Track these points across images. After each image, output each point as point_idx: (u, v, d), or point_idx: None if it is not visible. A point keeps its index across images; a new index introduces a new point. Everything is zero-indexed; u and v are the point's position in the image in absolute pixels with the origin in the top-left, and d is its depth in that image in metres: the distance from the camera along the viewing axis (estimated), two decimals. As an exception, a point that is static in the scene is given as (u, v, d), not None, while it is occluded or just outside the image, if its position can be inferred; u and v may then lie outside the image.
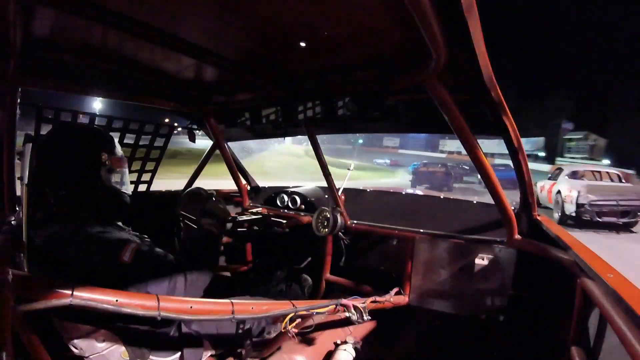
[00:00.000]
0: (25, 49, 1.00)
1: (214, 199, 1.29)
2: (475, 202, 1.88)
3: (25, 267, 0.85)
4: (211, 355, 1.19)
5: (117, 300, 0.81)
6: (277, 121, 1.75)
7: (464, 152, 1.36)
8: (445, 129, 1.25)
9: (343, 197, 1.97)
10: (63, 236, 0.90)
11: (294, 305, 1.12)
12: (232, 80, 1.51)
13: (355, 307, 1.35)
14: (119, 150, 1.16)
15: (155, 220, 1.94)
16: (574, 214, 7.02)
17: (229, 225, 1.57)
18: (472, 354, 1.50)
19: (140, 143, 1.88)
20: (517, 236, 1.49)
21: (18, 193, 1.05)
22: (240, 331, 1.27)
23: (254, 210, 2.02)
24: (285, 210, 2.18)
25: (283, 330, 1.10)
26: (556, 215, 7.63)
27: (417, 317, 1.72)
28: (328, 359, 1.35)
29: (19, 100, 1.13)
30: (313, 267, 2.08)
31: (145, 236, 1.18)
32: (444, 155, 28.67)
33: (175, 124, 2.13)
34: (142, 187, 2.09)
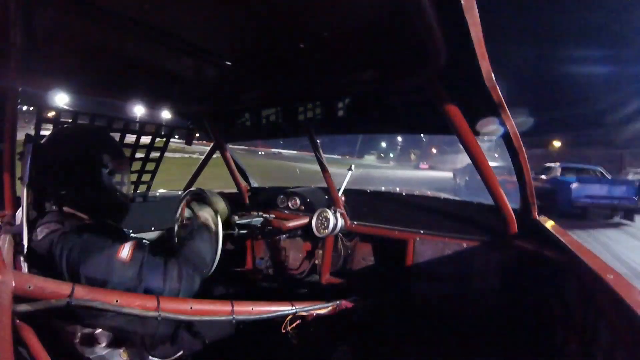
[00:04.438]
0: (25, 48, 1.01)
1: (211, 195, 1.28)
2: (475, 202, 1.88)
3: (26, 267, 0.85)
4: (211, 356, 1.19)
5: (117, 301, 0.81)
6: (277, 122, 1.75)
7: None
8: (446, 130, 1.26)
9: (343, 197, 1.97)
10: (62, 236, 0.90)
11: (294, 305, 1.12)
12: (232, 80, 1.51)
13: (355, 308, 1.35)
14: (120, 151, 1.17)
15: (156, 221, 1.94)
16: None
17: (230, 219, 1.48)
18: (472, 354, 1.49)
19: (140, 143, 1.87)
20: (517, 236, 1.50)
21: (18, 193, 1.05)
22: (240, 331, 1.26)
23: (254, 211, 2.02)
24: (285, 211, 2.18)
25: (283, 331, 1.10)
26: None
27: (417, 317, 1.72)
28: (328, 359, 1.35)
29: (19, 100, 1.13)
30: (313, 267, 2.08)
31: (145, 240, 1.17)
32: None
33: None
34: (142, 188, 2.09)
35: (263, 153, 35.33)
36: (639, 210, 8.21)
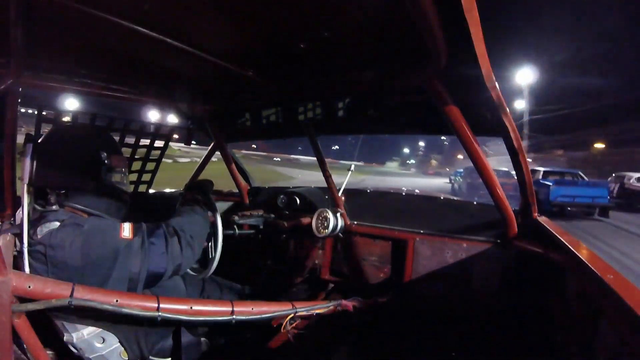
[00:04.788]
0: (26, 48, 1.01)
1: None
2: (475, 202, 1.88)
3: (26, 267, 0.85)
4: (211, 356, 1.19)
5: (117, 301, 0.81)
6: (277, 122, 1.75)
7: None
8: (446, 130, 1.26)
9: (343, 197, 1.97)
10: (63, 228, 0.90)
11: (294, 305, 1.12)
12: (232, 80, 1.51)
13: (355, 308, 1.35)
14: (118, 149, 1.17)
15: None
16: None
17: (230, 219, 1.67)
18: (472, 354, 1.49)
19: (140, 143, 1.88)
20: (517, 236, 1.50)
21: (19, 193, 1.06)
22: (240, 331, 1.27)
23: (254, 211, 2.02)
24: (286, 211, 2.18)
25: (283, 331, 1.10)
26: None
27: (416, 318, 1.72)
28: (328, 359, 1.35)
29: (19, 100, 1.13)
30: (313, 267, 2.08)
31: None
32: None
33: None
34: (142, 188, 2.09)
35: (279, 159, 35.37)
36: (612, 208, 9.89)
